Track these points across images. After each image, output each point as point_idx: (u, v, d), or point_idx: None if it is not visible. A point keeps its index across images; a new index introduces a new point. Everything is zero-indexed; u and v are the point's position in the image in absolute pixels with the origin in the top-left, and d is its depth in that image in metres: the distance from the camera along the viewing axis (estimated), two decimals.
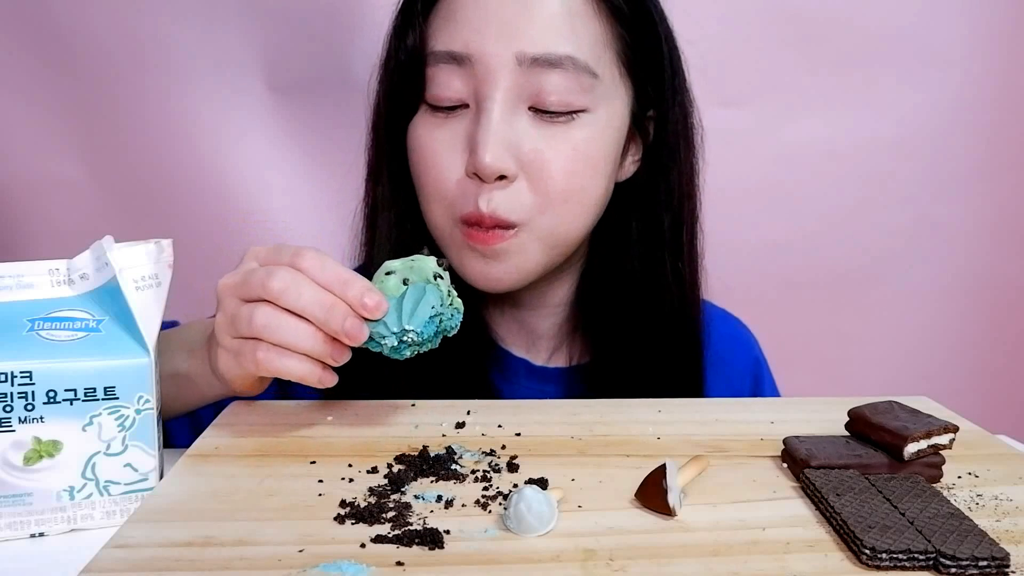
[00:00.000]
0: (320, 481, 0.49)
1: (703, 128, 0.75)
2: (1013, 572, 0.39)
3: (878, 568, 0.39)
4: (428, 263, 0.55)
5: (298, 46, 0.99)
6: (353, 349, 0.53)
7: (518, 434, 0.57)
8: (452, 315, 0.53)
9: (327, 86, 1.00)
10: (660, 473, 0.45)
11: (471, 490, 0.48)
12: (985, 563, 0.39)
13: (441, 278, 0.54)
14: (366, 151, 0.75)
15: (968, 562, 0.39)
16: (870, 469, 0.49)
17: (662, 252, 0.73)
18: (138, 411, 0.48)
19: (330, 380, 0.53)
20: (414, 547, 0.41)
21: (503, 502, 0.46)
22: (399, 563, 0.39)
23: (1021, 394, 1.14)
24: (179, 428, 0.69)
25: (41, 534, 0.47)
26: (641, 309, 0.74)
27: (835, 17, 1.01)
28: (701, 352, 0.76)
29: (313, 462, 0.51)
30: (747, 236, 1.06)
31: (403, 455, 0.52)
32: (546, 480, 0.49)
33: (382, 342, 0.52)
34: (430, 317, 0.52)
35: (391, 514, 0.44)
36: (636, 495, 0.46)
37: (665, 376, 0.73)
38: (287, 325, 0.51)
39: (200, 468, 0.50)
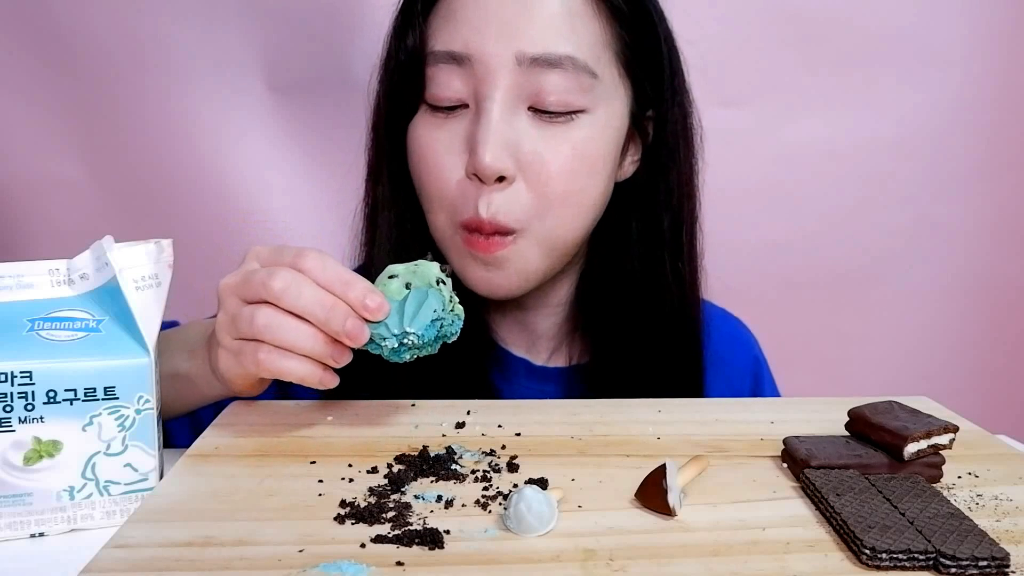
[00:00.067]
0: (320, 481, 0.49)
1: (703, 128, 0.75)
2: (1013, 572, 0.39)
3: (878, 568, 0.39)
4: (431, 268, 0.55)
5: (298, 46, 0.99)
6: (353, 350, 0.53)
7: (518, 434, 0.57)
8: (453, 321, 0.53)
9: (327, 86, 1.00)
10: (660, 473, 0.45)
11: (471, 490, 0.48)
12: (985, 563, 0.39)
13: (444, 283, 0.54)
14: (366, 151, 0.75)
15: (968, 562, 0.39)
16: (870, 469, 0.49)
17: (662, 252, 0.74)
18: (138, 411, 0.48)
19: (331, 381, 0.53)
20: (414, 547, 0.41)
21: (503, 502, 0.46)
22: (399, 563, 0.39)
23: (1021, 394, 1.14)
24: (179, 428, 0.69)
25: (41, 534, 0.47)
26: (641, 309, 0.74)
27: (835, 17, 1.01)
28: (701, 352, 0.76)
29: (313, 462, 0.51)
30: (747, 236, 1.06)
31: (403, 455, 0.52)
32: (546, 480, 0.49)
33: (382, 344, 0.52)
34: (431, 321, 0.52)
35: (391, 514, 0.44)
36: (636, 495, 0.46)
37: (665, 376, 0.73)
38: (288, 326, 0.51)
39: (200, 468, 0.50)
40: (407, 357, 0.53)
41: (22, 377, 0.46)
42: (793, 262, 1.08)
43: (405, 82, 0.68)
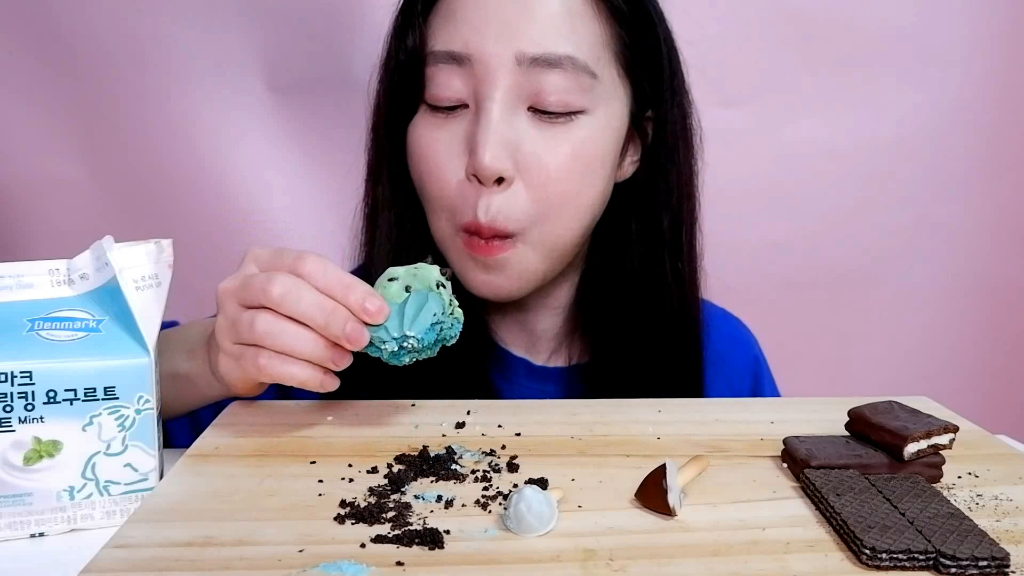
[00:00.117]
0: (320, 481, 0.49)
1: (702, 128, 0.75)
2: (1013, 572, 0.39)
3: (878, 568, 0.39)
4: (431, 271, 0.55)
5: (298, 46, 0.99)
6: (353, 352, 0.53)
7: (518, 434, 0.57)
8: (452, 324, 0.53)
9: (327, 86, 1.00)
10: (660, 473, 0.45)
11: (471, 490, 0.48)
12: (985, 563, 0.39)
13: (444, 287, 0.54)
14: (366, 151, 0.75)
15: (968, 562, 0.39)
16: (870, 469, 0.49)
17: (662, 252, 0.74)
18: (138, 411, 0.48)
19: (331, 384, 0.53)
20: (414, 547, 0.41)
21: (503, 502, 0.46)
22: (399, 563, 0.39)
23: (1021, 394, 1.14)
24: (179, 428, 0.69)
25: (41, 534, 0.47)
26: (641, 309, 0.74)
27: (835, 17, 1.01)
28: (701, 352, 0.76)
29: (313, 462, 0.51)
30: (747, 236, 1.06)
31: (403, 455, 0.52)
32: (546, 480, 0.49)
33: (382, 347, 0.52)
34: (431, 324, 0.52)
35: (391, 514, 0.44)
36: (636, 495, 0.46)
37: (665, 376, 0.73)
38: (288, 332, 0.51)
39: (200, 468, 0.50)
40: (406, 360, 0.53)
41: (22, 377, 0.46)
42: (793, 262, 1.08)
43: (405, 82, 0.68)
